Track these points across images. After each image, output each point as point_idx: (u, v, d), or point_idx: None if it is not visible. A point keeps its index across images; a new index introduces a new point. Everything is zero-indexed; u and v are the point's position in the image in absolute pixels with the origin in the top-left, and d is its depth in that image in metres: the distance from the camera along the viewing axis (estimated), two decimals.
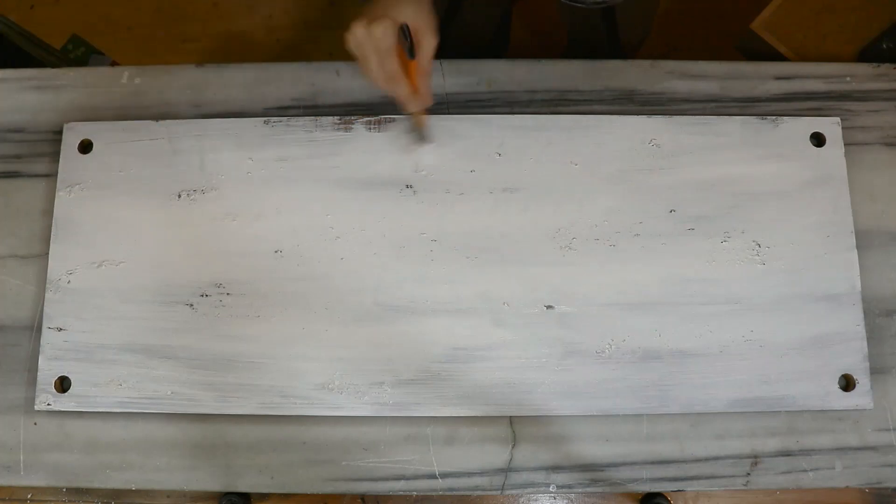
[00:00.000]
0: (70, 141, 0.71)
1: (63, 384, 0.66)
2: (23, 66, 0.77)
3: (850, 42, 1.01)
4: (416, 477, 0.65)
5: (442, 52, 0.61)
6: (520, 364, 0.65)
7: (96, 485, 0.65)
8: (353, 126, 0.70)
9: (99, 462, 0.66)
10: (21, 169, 0.73)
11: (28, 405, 0.67)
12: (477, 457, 0.66)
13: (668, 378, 0.65)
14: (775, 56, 1.05)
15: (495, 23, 0.94)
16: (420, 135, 0.69)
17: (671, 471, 0.65)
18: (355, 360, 0.65)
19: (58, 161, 0.70)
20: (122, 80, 0.75)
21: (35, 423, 0.67)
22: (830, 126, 0.70)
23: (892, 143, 0.72)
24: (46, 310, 0.67)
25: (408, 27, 0.55)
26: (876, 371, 0.66)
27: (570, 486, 0.65)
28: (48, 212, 0.70)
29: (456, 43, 0.96)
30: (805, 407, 0.65)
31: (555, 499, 1.28)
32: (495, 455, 0.66)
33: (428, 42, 0.57)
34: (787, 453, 0.66)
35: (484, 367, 0.65)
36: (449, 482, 0.65)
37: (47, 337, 0.66)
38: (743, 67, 0.74)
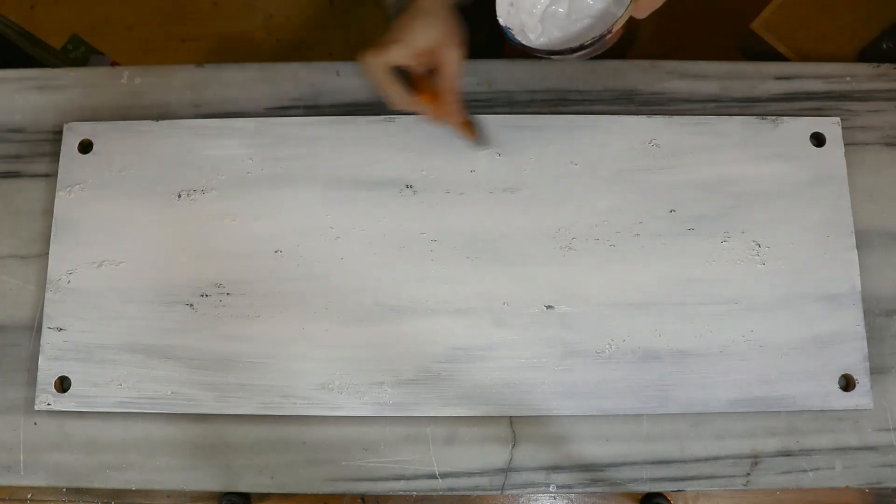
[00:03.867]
0: (70, 141, 0.71)
1: (63, 384, 0.66)
2: (23, 66, 0.76)
3: (850, 42, 1.01)
4: (416, 477, 0.65)
5: None
6: (520, 364, 0.65)
7: (96, 485, 0.65)
8: (353, 126, 0.70)
9: (99, 462, 0.66)
10: (21, 169, 0.73)
11: (28, 405, 0.67)
12: (477, 457, 0.66)
13: (668, 378, 0.65)
14: (775, 56, 1.05)
15: (487, 29, 0.93)
16: (471, 142, 0.68)
17: (671, 471, 0.65)
18: (355, 360, 0.65)
19: (58, 161, 0.70)
20: (122, 80, 0.75)
21: (35, 423, 0.67)
22: (830, 126, 0.70)
23: (892, 143, 0.72)
24: (46, 310, 0.67)
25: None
26: (876, 371, 0.66)
27: (570, 486, 0.65)
28: (48, 212, 0.70)
29: None
30: (805, 407, 0.65)
31: (555, 499, 1.28)
32: (495, 455, 0.66)
33: (449, 59, 0.57)
34: (787, 453, 0.66)
35: (484, 367, 0.65)
36: (449, 482, 0.65)
37: (47, 337, 0.66)
38: (743, 67, 0.74)
